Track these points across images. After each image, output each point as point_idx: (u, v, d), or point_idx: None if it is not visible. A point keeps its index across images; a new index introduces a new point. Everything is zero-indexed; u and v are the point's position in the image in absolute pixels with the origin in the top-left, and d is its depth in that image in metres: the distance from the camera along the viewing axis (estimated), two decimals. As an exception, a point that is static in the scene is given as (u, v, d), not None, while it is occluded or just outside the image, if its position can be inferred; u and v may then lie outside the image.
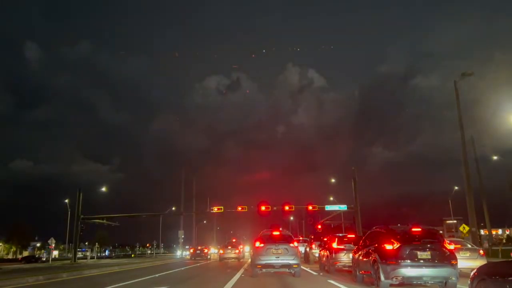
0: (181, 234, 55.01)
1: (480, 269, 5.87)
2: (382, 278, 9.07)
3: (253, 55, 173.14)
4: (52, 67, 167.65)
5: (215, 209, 40.74)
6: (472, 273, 5.89)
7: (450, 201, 50.66)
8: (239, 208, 39.47)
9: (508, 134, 25.13)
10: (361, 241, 11.92)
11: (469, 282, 5.85)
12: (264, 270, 13.68)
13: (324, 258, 16.90)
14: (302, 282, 12.41)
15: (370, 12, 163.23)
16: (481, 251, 14.44)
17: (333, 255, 15.21)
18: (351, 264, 12.89)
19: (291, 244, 13.71)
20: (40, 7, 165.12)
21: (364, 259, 10.71)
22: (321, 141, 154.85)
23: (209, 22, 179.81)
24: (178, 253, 72.54)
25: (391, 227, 10.39)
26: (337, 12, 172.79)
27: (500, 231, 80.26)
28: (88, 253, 56.25)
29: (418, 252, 8.92)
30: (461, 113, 24.15)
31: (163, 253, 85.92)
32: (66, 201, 47.07)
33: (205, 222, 70.03)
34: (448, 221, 67.74)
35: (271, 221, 45.99)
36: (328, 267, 15.77)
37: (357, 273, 11.50)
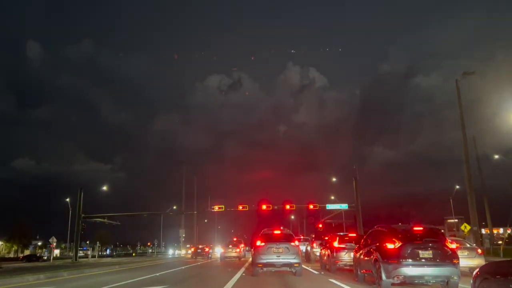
0: (182, 233, 55.12)
1: (483, 268, 5.84)
2: (384, 277, 9.03)
3: (253, 56, 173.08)
4: (54, 66, 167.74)
5: (216, 208, 40.73)
6: (474, 272, 5.86)
7: (451, 200, 50.57)
8: (240, 207, 39.46)
9: (509, 133, 25.04)
10: (362, 240, 11.88)
11: (471, 281, 5.82)
12: (265, 269, 13.64)
13: (325, 257, 16.88)
14: (303, 281, 12.38)
15: (371, 11, 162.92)
16: (479, 250, 14.51)
17: (334, 254, 15.18)
18: (352, 263, 12.86)
19: (292, 243, 13.68)
20: (42, 6, 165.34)
21: (366, 258, 10.67)
22: (322, 140, 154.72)
23: (210, 22, 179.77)
24: (170, 252, 71.86)
25: (392, 226, 10.35)
26: (338, 10, 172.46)
27: (501, 230, 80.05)
28: (89, 252, 56.38)
29: (420, 251, 8.88)
30: (463, 112, 24.11)
31: (164, 252, 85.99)
32: (68, 200, 47.18)
33: (206, 221, 70.13)
34: (449, 220, 67.57)
35: (272, 220, 46.08)
36: (329, 266, 15.75)
37: (359, 272, 11.48)
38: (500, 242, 40.20)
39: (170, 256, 56.66)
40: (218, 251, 47.90)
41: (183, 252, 61.19)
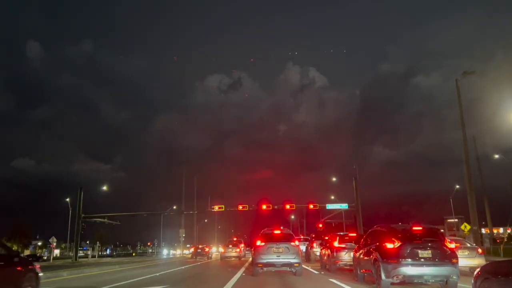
0: (182, 233, 55.05)
1: (484, 268, 5.85)
2: (383, 277, 9.04)
3: (253, 56, 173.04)
4: (54, 66, 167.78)
5: (216, 208, 40.70)
6: (475, 272, 5.87)
7: (451, 199, 50.54)
8: (240, 207, 39.40)
9: (509, 132, 25.05)
10: (362, 240, 11.89)
11: (472, 281, 5.82)
12: (265, 269, 13.62)
13: (325, 257, 16.88)
14: (303, 281, 12.38)
15: (371, 11, 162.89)
16: (480, 250, 14.51)
17: (334, 254, 15.18)
18: (352, 263, 12.86)
19: (292, 243, 13.67)
20: (41, 6, 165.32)
21: (365, 258, 10.68)
22: (322, 140, 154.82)
23: (210, 22, 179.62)
24: (165, 252, 71.11)
25: (392, 226, 10.36)
26: (338, 10, 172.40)
27: (501, 230, 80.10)
28: (89, 252, 56.29)
29: (419, 251, 8.89)
30: (463, 112, 24.11)
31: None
32: (68, 200, 47.13)
33: (206, 221, 70.06)
34: (449, 220, 67.67)
35: (272, 219, 46.09)
36: (329, 266, 15.74)
37: (358, 272, 11.48)
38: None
39: (164, 257, 56.39)
40: (214, 250, 47.91)
41: (178, 252, 60.65)
